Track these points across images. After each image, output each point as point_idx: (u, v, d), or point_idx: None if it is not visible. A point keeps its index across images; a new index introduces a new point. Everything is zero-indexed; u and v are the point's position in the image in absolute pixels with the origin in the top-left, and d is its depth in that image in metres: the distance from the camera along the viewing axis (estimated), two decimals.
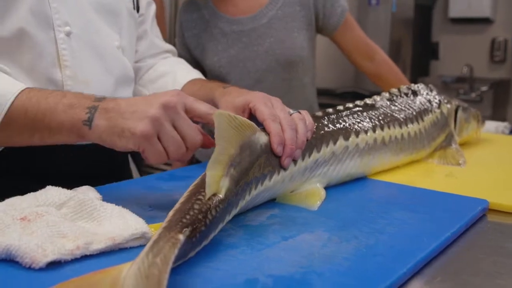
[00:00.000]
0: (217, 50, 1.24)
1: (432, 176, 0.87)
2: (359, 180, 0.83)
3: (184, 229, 0.49)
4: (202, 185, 0.56)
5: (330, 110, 0.82)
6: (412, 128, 0.91)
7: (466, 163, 0.94)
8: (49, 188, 0.59)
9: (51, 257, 0.48)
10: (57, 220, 0.53)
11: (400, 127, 0.89)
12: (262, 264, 0.50)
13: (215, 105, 0.81)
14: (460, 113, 1.06)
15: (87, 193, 0.62)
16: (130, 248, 0.54)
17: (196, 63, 1.30)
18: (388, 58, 1.43)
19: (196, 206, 0.52)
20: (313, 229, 0.60)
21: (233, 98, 0.76)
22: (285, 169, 0.67)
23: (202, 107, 0.65)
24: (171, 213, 0.52)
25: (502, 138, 1.23)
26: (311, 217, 0.65)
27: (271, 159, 0.66)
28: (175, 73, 0.95)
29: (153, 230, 0.56)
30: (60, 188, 0.59)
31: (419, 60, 2.96)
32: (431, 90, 1.03)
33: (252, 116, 0.73)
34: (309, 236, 0.58)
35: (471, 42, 2.92)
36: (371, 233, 0.59)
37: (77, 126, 0.64)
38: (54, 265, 0.48)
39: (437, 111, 1.00)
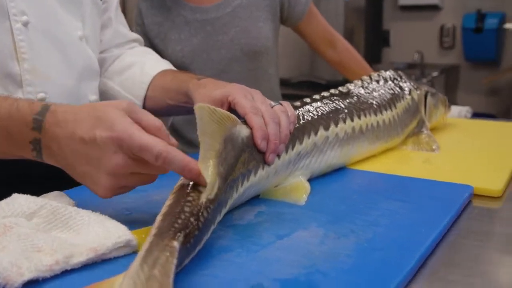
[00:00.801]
0: (180, 39, 1.18)
1: (409, 163, 0.86)
2: (339, 170, 0.80)
3: (178, 235, 0.44)
4: (188, 184, 0.52)
5: (308, 99, 0.79)
6: (387, 115, 0.90)
7: (439, 148, 0.94)
8: (16, 196, 0.53)
9: (27, 276, 0.42)
10: (29, 232, 0.48)
11: (375, 114, 0.87)
12: (262, 267, 0.47)
13: (189, 98, 0.77)
14: (429, 98, 1.06)
15: (59, 200, 0.56)
16: (114, 258, 0.49)
17: (156, 53, 1.24)
18: (350, 46, 1.42)
19: (186, 209, 0.48)
20: (305, 225, 0.57)
21: (209, 90, 0.71)
22: (269, 165, 0.64)
23: (149, 155, 0.52)
24: (159, 217, 0.48)
25: (466, 122, 1.25)
26: (300, 213, 0.62)
27: (254, 153, 0.62)
28: (144, 64, 0.88)
29: (137, 237, 0.51)
30: (29, 196, 0.53)
31: (372, 47, 3.00)
32: (400, 77, 1.02)
33: (230, 110, 0.69)
34: (304, 233, 0.55)
35: (421, 29, 2.98)
36: (366, 226, 0.57)
37: (29, 157, 0.58)
38: (32, 284, 0.43)
39: (408, 97, 0.99)
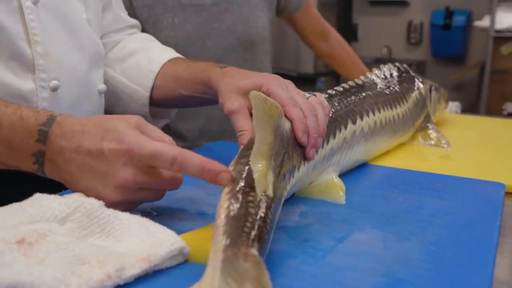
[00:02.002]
0: (173, 24, 1.10)
1: (427, 159, 0.84)
2: (362, 166, 0.77)
3: (251, 241, 0.39)
4: (241, 183, 0.46)
5: (331, 91, 0.75)
6: (400, 109, 0.87)
7: (449, 144, 0.92)
8: (40, 197, 0.45)
9: None
10: (67, 241, 0.41)
11: (391, 108, 0.84)
12: (337, 276, 0.42)
13: (209, 88, 0.70)
14: (433, 93, 1.04)
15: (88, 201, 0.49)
16: (166, 269, 0.43)
17: None
18: (341, 38, 1.39)
19: (251, 210, 0.43)
20: (359, 226, 0.53)
21: (237, 80, 0.65)
22: (309, 160, 0.60)
23: (162, 161, 0.48)
24: (220, 222, 0.42)
25: (460, 118, 1.24)
26: (345, 213, 0.57)
27: (296, 147, 0.57)
28: (149, 51, 0.80)
29: (187, 243, 0.45)
30: (56, 196, 0.46)
31: None
32: (407, 71, 1.00)
33: None
34: (362, 236, 0.51)
35: (389, 24, 3.00)
36: (423, 227, 0.53)
37: (28, 170, 0.53)
38: None
39: (416, 91, 0.97)
